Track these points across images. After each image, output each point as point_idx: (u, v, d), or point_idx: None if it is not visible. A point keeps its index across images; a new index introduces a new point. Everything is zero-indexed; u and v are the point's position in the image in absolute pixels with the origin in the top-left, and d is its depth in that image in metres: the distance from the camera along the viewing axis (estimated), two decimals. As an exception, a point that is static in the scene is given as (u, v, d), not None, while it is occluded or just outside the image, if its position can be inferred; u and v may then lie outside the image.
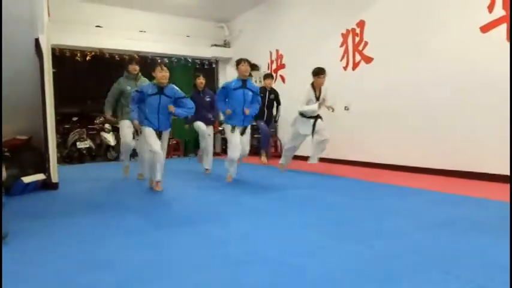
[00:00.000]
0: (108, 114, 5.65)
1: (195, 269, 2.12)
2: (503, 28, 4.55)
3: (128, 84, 5.34)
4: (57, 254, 2.44)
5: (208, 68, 11.01)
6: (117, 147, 9.85)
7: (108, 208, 3.86)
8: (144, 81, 5.40)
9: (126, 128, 5.42)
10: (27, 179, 4.55)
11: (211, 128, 6.32)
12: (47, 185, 4.87)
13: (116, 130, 8.64)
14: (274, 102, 7.66)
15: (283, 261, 2.19)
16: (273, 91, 7.54)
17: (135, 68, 5.40)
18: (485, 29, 4.75)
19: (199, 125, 6.10)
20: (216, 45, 10.63)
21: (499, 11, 4.59)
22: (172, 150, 9.72)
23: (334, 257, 2.26)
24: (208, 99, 6.21)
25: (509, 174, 4.50)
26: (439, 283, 1.85)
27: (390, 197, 4.09)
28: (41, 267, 2.20)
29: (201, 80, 6.22)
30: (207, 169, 6.24)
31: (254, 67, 7.32)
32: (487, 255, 2.22)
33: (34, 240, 2.75)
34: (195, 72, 11.17)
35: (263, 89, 7.20)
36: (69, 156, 9.06)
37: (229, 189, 4.81)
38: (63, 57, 8.56)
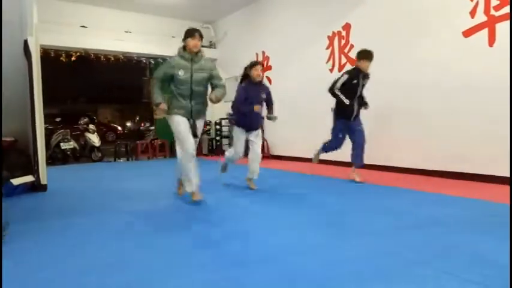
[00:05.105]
0: (158, 101, 3.87)
1: (198, 269, 2.17)
2: (485, 33, 4.73)
3: (181, 67, 3.86)
4: (59, 255, 2.45)
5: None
6: (102, 148, 9.79)
7: (101, 209, 3.86)
8: (206, 62, 4.12)
9: (184, 127, 3.86)
10: (16, 181, 4.51)
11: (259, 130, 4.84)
12: (36, 187, 4.82)
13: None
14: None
15: (282, 260, 2.25)
16: None
17: (196, 44, 3.91)
18: (467, 33, 4.92)
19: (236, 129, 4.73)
20: (201, 46, 10.59)
21: (481, 17, 4.76)
22: (157, 152, 9.69)
23: (331, 254, 2.34)
24: (264, 96, 4.71)
25: (492, 174, 4.71)
26: (432, 279, 1.93)
27: (379, 197, 4.20)
28: (45, 269, 2.21)
29: (258, 72, 4.56)
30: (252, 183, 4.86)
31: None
32: (476, 252, 2.32)
33: (34, 241, 2.75)
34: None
35: None
36: (52, 157, 8.95)
37: (223, 192, 4.84)
38: (47, 58, 8.44)
